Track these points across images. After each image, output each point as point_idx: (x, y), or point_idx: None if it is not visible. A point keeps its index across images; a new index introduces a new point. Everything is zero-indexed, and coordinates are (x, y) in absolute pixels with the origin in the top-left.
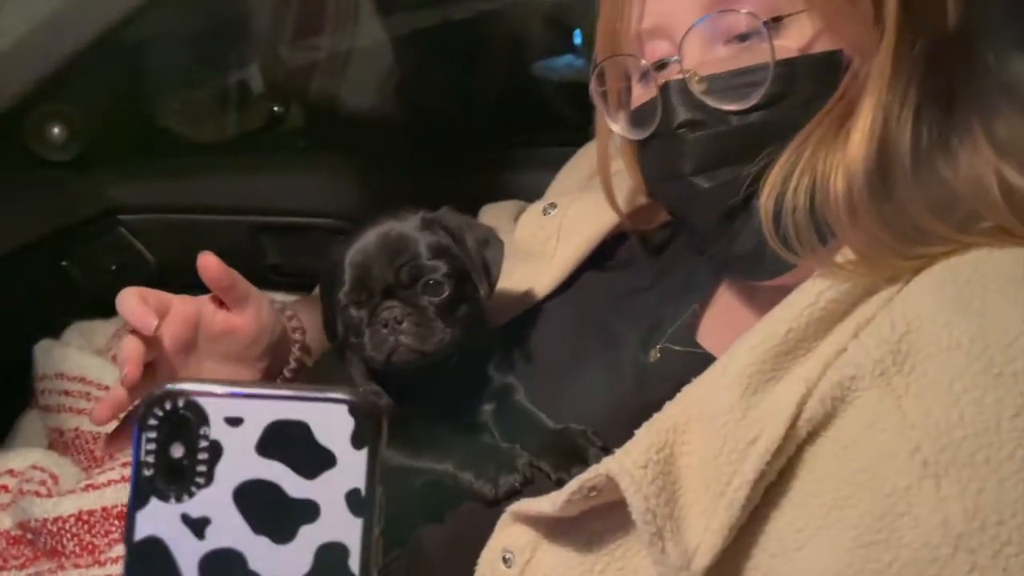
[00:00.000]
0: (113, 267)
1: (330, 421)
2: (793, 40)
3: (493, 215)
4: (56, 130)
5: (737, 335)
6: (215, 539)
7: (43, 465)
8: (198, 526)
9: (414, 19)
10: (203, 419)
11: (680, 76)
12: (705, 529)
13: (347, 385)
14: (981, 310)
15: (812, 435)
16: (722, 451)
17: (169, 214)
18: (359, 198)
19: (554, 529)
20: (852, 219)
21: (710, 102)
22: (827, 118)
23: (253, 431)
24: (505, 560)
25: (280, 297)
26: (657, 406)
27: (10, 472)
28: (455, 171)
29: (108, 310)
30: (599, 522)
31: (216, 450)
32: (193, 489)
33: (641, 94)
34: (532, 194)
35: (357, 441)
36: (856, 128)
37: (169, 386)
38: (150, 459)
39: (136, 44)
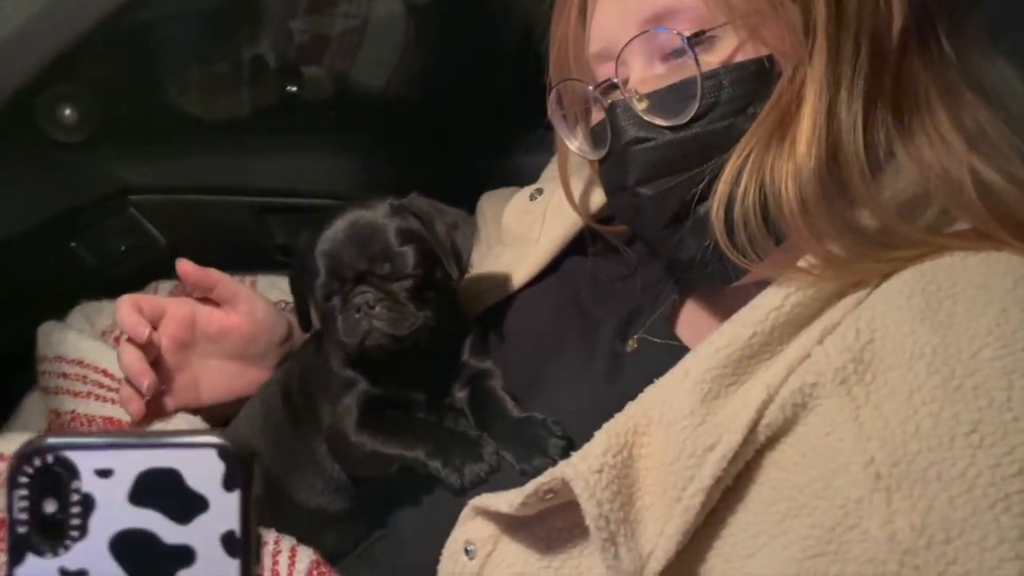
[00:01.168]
0: (123, 248)
1: (200, 466)
2: (721, 52)
3: (492, 202)
4: (67, 111)
5: (715, 328)
6: None
7: None
8: None
9: None
10: (73, 473)
11: (623, 97)
12: (660, 534)
13: (217, 430)
14: (947, 321)
15: (772, 440)
16: (679, 456)
17: (179, 195)
18: (366, 179)
19: (514, 525)
20: (809, 227)
21: (652, 119)
22: (764, 125)
23: (124, 481)
24: (467, 552)
25: (286, 276)
26: (630, 397)
27: (1, 457)
28: (461, 152)
29: (117, 291)
30: (558, 519)
31: (88, 503)
32: (68, 543)
33: (597, 114)
34: (536, 177)
35: (228, 484)
36: (800, 134)
37: (37, 442)
38: (23, 516)
39: (147, 24)
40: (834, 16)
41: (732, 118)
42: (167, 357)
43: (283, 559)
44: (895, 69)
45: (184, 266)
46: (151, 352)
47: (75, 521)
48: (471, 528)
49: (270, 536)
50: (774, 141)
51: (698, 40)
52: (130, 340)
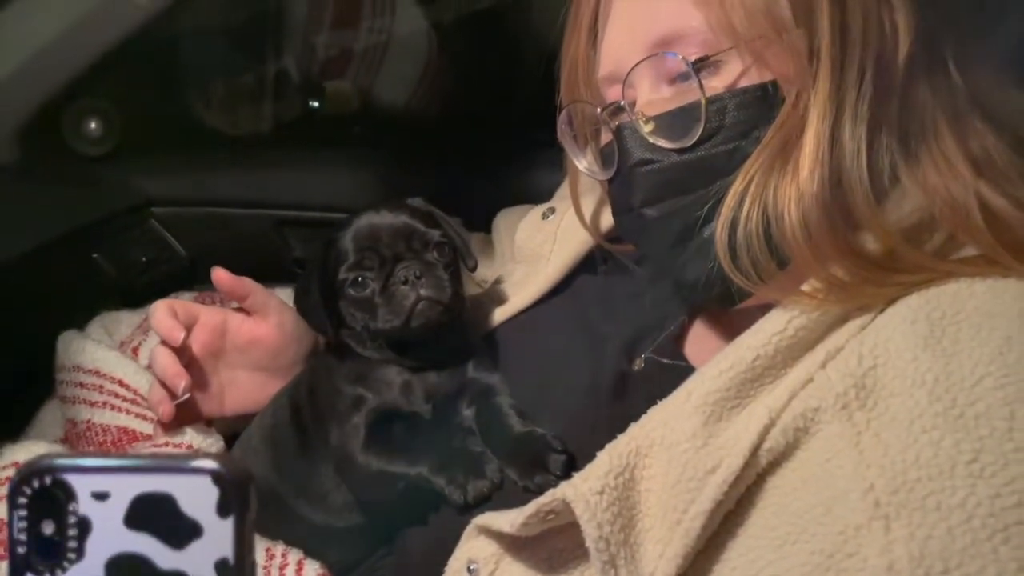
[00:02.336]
0: (144, 259)
1: (195, 492)
2: (726, 77)
3: (508, 219)
4: (93, 125)
5: (722, 350)
6: None
7: None
8: None
9: (442, 12)
10: (70, 495)
11: (630, 119)
12: (660, 557)
13: (213, 455)
14: (950, 348)
15: (773, 465)
16: (681, 479)
17: (200, 207)
18: (384, 195)
19: (516, 544)
20: (813, 251)
21: (658, 141)
22: (768, 149)
23: (120, 505)
24: (470, 570)
25: None
26: (635, 416)
27: (15, 464)
28: (479, 169)
29: (138, 302)
30: (560, 540)
31: (85, 525)
32: (66, 564)
33: (606, 136)
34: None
35: (223, 510)
36: (804, 158)
37: (36, 464)
38: (23, 536)
39: (171, 39)
40: (839, 41)
41: (737, 142)
42: (196, 364)
43: (290, 572)
44: (901, 94)
45: (219, 274)
46: (182, 357)
47: (72, 543)
48: (474, 547)
49: (278, 549)
50: (777, 165)
51: (703, 64)
52: (164, 343)
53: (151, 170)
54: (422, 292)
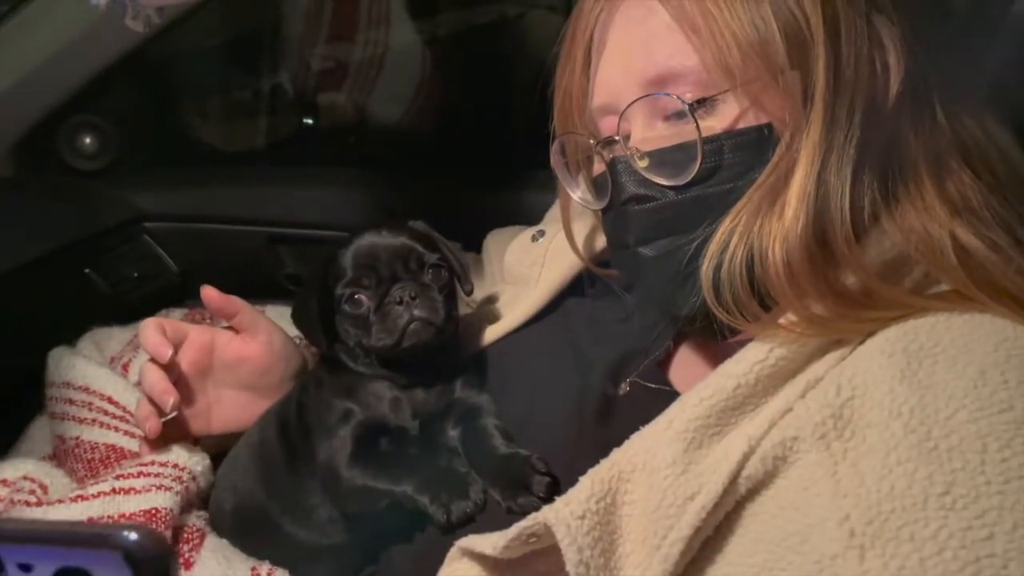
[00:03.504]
0: (136, 274)
1: (109, 568)
2: (722, 118)
3: (498, 240)
4: (87, 140)
5: (706, 376)
6: None
7: (34, 475)
8: None
9: (437, 29)
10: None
11: (624, 153)
12: None
13: (134, 526)
14: (926, 381)
15: (752, 492)
16: (661, 504)
17: (193, 223)
18: (377, 213)
19: (499, 567)
20: (794, 288)
21: (652, 177)
22: (760, 190)
23: None
24: None
25: None
26: (618, 440)
27: (3, 482)
28: (472, 188)
29: (128, 317)
30: (542, 563)
31: None
32: None
33: (599, 166)
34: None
35: None
36: (790, 198)
37: None
38: None
39: (167, 57)
40: (832, 82)
41: (733, 183)
42: (184, 381)
43: None
44: (886, 135)
45: (208, 292)
46: (171, 375)
47: None
48: (457, 569)
49: (263, 568)
50: (765, 204)
51: (699, 104)
52: (152, 360)
53: (144, 185)
54: (416, 313)
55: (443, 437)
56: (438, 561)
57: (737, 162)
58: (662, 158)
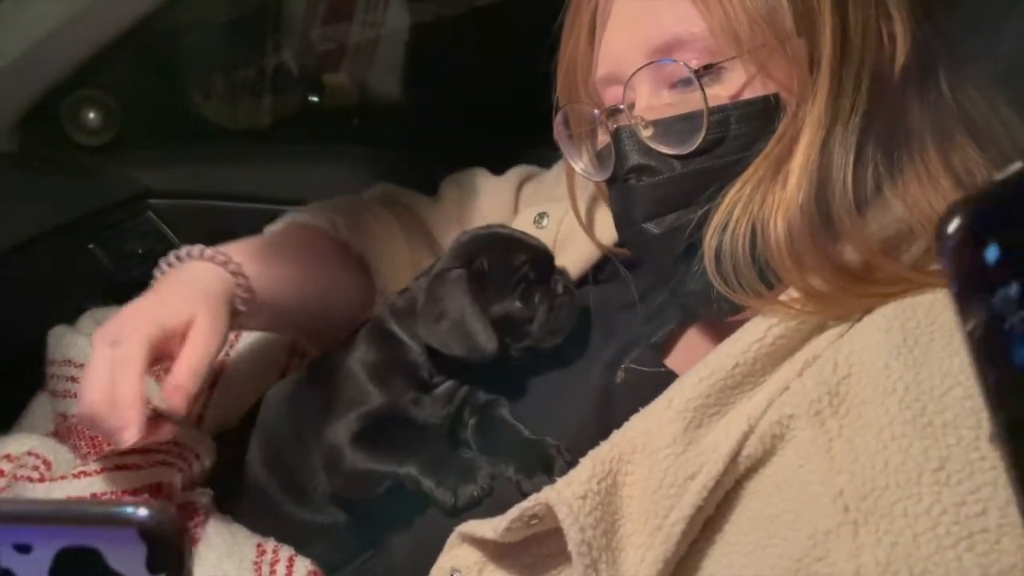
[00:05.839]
0: (140, 251)
1: (122, 546)
2: (729, 86)
3: (454, 187)
4: (91, 115)
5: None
6: None
7: (38, 451)
8: None
9: (439, 6)
10: None
11: (629, 122)
12: (640, 562)
13: (143, 502)
14: (922, 357)
15: (751, 471)
16: (662, 484)
17: (197, 200)
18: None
19: (499, 552)
20: (795, 261)
21: (656, 146)
22: (766, 160)
23: (44, 558)
24: None
25: None
26: (618, 426)
27: (7, 457)
28: (477, 166)
29: (133, 294)
30: (543, 547)
31: None
32: None
33: (603, 138)
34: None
35: (152, 566)
36: (794, 168)
37: None
38: None
39: (172, 31)
40: (839, 50)
41: (739, 154)
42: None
43: (280, 568)
44: (892, 107)
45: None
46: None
47: None
48: (458, 555)
49: (269, 544)
50: (769, 175)
51: (706, 71)
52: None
53: (149, 162)
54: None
55: (457, 426)
56: (436, 548)
57: (743, 133)
58: (667, 127)
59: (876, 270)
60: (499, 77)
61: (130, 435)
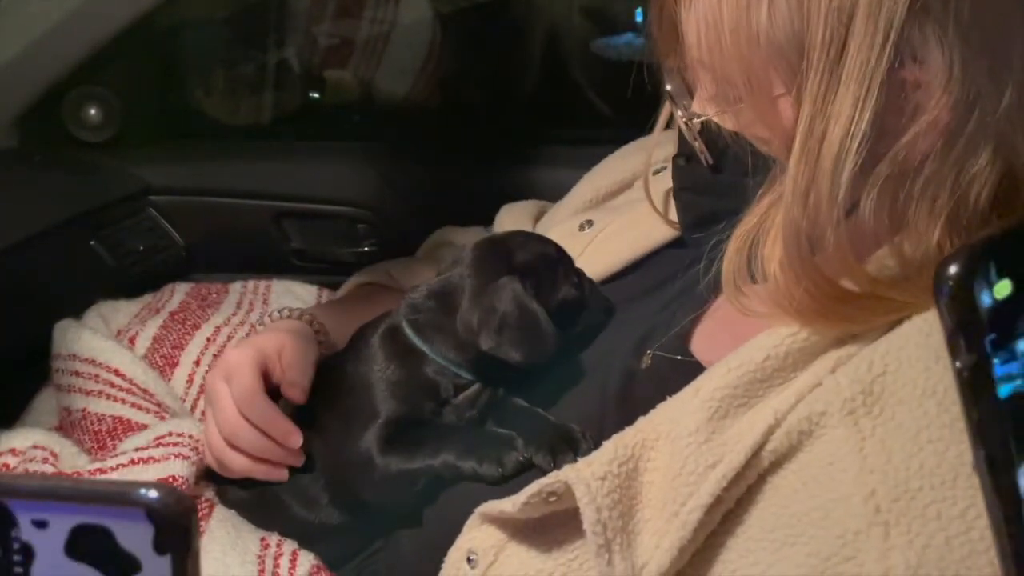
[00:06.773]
0: (141, 247)
1: (131, 526)
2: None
3: (513, 216)
4: (93, 111)
5: (732, 347)
6: None
7: (44, 444)
8: None
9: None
10: (12, 522)
11: (684, 117)
12: (656, 547)
13: (154, 484)
14: None
15: (775, 466)
16: (682, 471)
17: (199, 196)
18: (383, 188)
19: (520, 532)
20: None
21: (699, 147)
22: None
23: (60, 534)
24: (469, 561)
25: (301, 281)
26: (643, 412)
27: (12, 451)
28: (480, 163)
29: (134, 290)
30: (561, 530)
31: (28, 552)
32: None
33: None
34: (555, 192)
35: (159, 547)
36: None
37: None
38: None
39: (173, 27)
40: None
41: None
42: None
43: (284, 562)
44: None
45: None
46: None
47: (18, 569)
48: (476, 536)
49: (272, 539)
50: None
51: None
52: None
53: (150, 158)
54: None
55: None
56: (447, 537)
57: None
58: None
59: (885, 297)
60: (505, 75)
61: (296, 438)
